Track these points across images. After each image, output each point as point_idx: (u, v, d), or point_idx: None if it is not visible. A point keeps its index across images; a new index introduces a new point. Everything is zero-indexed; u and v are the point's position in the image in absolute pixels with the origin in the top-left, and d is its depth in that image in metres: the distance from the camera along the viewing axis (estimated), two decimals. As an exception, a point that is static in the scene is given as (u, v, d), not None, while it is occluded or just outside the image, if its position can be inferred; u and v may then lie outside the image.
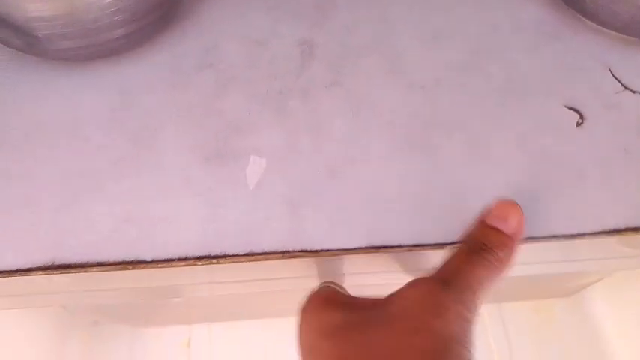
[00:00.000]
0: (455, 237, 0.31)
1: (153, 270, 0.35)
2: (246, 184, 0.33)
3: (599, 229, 0.33)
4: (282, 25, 0.40)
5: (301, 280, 0.42)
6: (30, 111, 0.35)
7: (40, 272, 0.30)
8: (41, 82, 0.37)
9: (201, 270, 0.37)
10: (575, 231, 0.33)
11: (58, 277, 0.37)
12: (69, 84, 0.37)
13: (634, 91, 0.39)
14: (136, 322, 0.60)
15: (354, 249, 0.31)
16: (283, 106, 0.36)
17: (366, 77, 0.38)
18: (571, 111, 0.38)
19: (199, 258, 0.30)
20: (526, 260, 0.41)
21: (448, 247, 0.32)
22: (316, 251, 0.31)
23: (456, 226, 0.32)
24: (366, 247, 0.31)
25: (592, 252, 0.42)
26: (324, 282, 0.32)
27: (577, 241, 0.39)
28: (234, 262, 0.31)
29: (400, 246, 0.31)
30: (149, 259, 0.30)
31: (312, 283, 0.44)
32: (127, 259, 0.30)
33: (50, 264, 0.29)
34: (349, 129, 0.35)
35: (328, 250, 0.31)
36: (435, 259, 0.32)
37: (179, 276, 0.38)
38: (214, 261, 0.30)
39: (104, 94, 0.36)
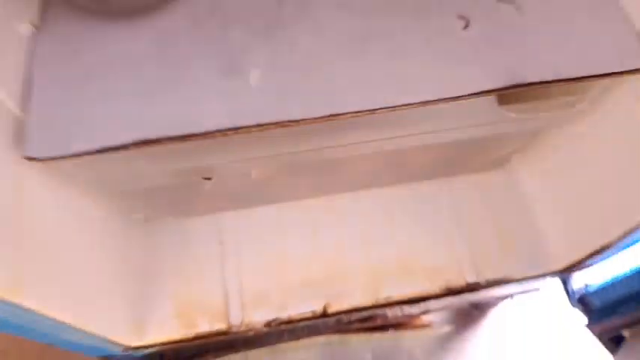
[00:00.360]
0: (385, 104, 0.51)
1: (194, 150, 0.55)
2: (250, 85, 0.52)
3: (478, 90, 0.52)
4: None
5: (293, 156, 0.62)
6: (106, 49, 0.54)
7: (134, 147, 0.49)
8: (105, 31, 0.55)
9: (226, 147, 0.57)
10: (459, 94, 0.52)
11: (136, 161, 0.57)
12: (126, 33, 0.55)
13: (507, 2, 0.57)
14: (177, 212, 0.80)
15: (322, 117, 0.50)
16: (271, 35, 0.54)
17: (320, 18, 0.56)
18: (461, 19, 0.56)
19: (229, 130, 0.49)
20: (449, 127, 0.60)
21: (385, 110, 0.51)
22: (297, 121, 0.50)
23: (387, 94, 0.51)
24: (330, 116, 0.50)
25: (486, 117, 0.61)
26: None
27: (474, 108, 0.59)
28: (247, 132, 0.50)
29: (359, 112, 0.50)
30: (200, 132, 0.49)
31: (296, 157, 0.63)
32: (185, 134, 0.49)
33: (139, 140, 0.49)
34: (315, 47, 0.54)
35: (306, 119, 0.50)
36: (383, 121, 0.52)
37: (211, 155, 0.58)
38: (239, 131, 0.50)
39: (147, 37, 0.55)
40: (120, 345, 0.70)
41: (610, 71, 0.52)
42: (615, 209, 0.67)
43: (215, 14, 0.55)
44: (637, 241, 0.69)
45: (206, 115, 0.50)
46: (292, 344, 0.90)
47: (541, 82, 0.51)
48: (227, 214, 0.81)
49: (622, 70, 0.53)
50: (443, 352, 1.14)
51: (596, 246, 0.70)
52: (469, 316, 1.16)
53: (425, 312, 0.94)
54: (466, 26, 0.56)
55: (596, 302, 0.77)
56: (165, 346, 0.75)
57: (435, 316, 1.05)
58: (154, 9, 0.55)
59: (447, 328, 1.16)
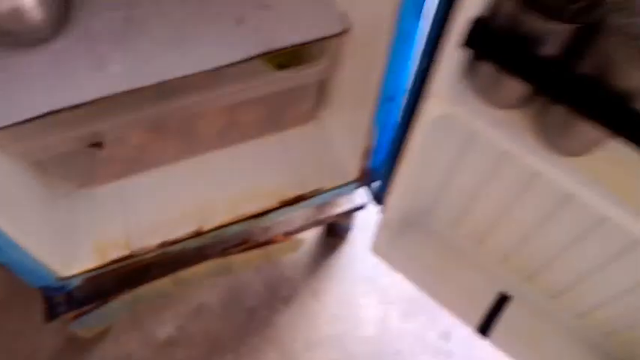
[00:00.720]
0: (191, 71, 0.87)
1: (82, 117, 0.89)
2: (112, 73, 0.87)
3: (247, 56, 0.90)
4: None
5: (151, 116, 0.97)
6: (18, 66, 0.87)
7: (46, 115, 0.82)
8: (17, 56, 0.88)
9: (102, 115, 0.91)
10: (235, 60, 0.89)
11: (42, 131, 0.89)
12: (31, 56, 0.88)
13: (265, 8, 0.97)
14: (87, 183, 1.12)
15: (154, 84, 0.86)
16: (122, 43, 0.90)
17: (150, 31, 0.92)
18: (237, 20, 0.94)
19: (99, 98, 0.84)
20: (252, 85, 0.98)
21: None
22: (139, 88, 0.86)
23: (192, 65, 0.88)
24: (159, 82, 0.86)
25: (271, 78, 1.00)
26: None
27: (258, 69, 0.97)
28: (111, 99, 0.85)
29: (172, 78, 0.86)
30: (83, 101, 0.83)
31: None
32: (74, 103, 0.83)
33: (48, 111, 0.82)
34: (148, 48, 0.90)
35: (144, 86, 0.86)
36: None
37: (94, 122, 0.92)
38: (106, 98, 0.84)
39: (46, 55, 0.88)
40: (54, 272, 1.00)
41: (322, 36, 0.93)
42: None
43: (86, 37, 0.90)
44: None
45: (88, 92, 0.84)
46: (191, 272, 1.23)
47: (280, 49, 0.91)
48: (125, 180, 1.14)
49: (329, 34, 0.93)
50: (317, 273, 1.51)
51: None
52: (329, 244, 1.55)
53: (287, 233, 1.29)
54: (240, 23, 0.94)
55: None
56: (88, 274, 1.06)
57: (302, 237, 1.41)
58: (49, 40, 0.89)
59: (315, 255, 1.54)
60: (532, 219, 0.92)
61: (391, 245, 1.05)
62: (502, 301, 1.03)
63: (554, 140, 0.66)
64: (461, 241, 1.06)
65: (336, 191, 1.21)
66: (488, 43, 0.60)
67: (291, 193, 1.16)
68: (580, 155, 0.66)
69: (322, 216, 1.30)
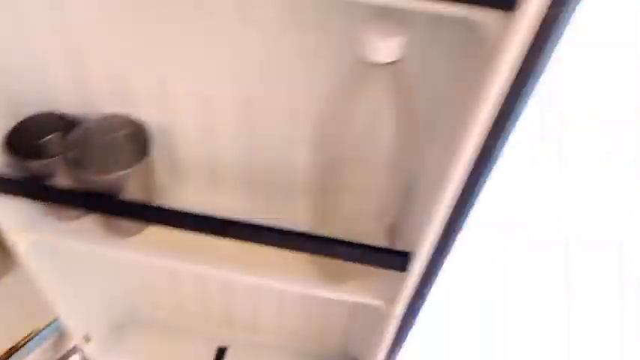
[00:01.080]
0: None
1: None
2: None
3: None
4: None
5: None
6: None
7: None
8: None
9: None
10: None
11: None
12: None
13: None
14: None
15: None
16: None
17: None
18: None
19: None
20: None
21: None
22: None
23: None
24: None
25: None
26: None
27: None
28: None
29: None
30: None
31: None
32: None
33: None
34: None
35: None
36: None
37: None
38: None
39: None
40: None
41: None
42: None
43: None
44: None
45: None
46: None
47: None
48: None
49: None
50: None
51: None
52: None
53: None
54: None
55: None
56: None
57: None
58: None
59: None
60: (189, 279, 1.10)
61: (105, 354, 1.13)
62: (221, 354, 1.17)
63: (115, 229, 0.81)
64: (168, 318, 1.18)
65: (56, 326, 1.26)
66: (8, 188, 0.71)
67: (2, 350, 1.18)
68: (135, 234, 0.81)
69: (59, 355, 1.33)
